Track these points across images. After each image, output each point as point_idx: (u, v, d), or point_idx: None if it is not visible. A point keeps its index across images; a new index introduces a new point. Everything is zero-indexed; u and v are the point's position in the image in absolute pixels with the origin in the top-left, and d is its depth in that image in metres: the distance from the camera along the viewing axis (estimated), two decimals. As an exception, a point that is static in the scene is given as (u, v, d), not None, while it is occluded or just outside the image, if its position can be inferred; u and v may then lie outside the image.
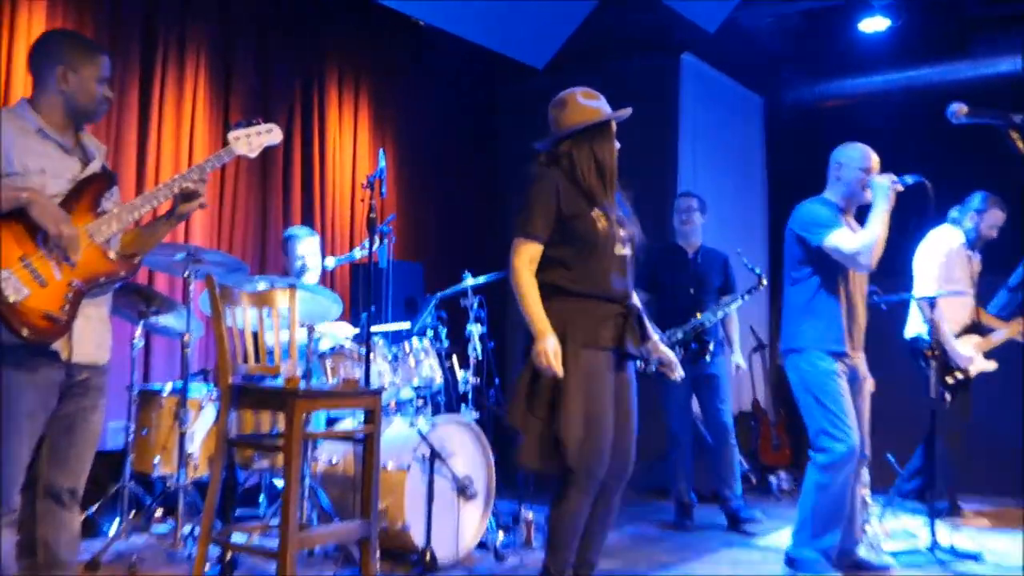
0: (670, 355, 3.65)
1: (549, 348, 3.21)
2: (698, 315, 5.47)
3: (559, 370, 3.22)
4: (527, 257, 3.34)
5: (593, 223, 3.35)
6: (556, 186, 3.37)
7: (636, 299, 3.56)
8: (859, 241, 4.06)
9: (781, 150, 8.15)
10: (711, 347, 5.50)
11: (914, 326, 5.48)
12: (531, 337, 3.30)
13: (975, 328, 5.52)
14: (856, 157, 4.24)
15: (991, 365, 5.45)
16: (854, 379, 4.23)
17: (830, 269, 4.19)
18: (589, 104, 3.49)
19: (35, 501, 2.86)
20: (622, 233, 3.43)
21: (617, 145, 3.51)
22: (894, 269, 5.28)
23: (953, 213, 5.60)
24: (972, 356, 5.39)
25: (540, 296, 3.33)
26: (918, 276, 5.43)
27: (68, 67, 2.88)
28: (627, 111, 3.51)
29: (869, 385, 4.31)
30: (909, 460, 5.61)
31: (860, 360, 4.28)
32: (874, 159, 4.23)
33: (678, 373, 3.68)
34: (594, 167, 3.42)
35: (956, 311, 5.45)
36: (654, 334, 3.64)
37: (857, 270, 4.19)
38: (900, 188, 4.09)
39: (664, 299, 5.60)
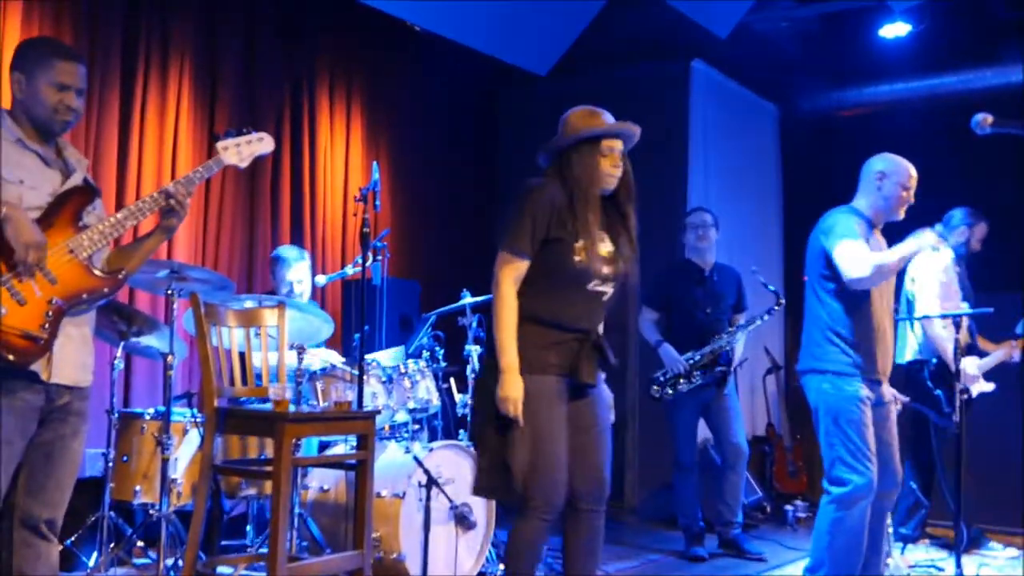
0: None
1: (513, 395, 3.25)
2: (718, 337, 5.52)
3: (521, 417, 3.26)
4: (513, 276, 3.35)
5: (571, 254, 3.34)
6: (552, 201, 3.36)
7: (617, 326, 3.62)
8: (871, 259, 4.00)
9: (797, 161, 8.19)
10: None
11: (913, 348, 5.52)
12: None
13: (970, 348, 5.58)
14: (900, 171, 4.16)
15: (990, 386, 5.49)
16: (879, 404, 4.17)
17: (848, 289, 4.09)
18: (580, 123, 3.47)
19: (11, 532, 2.88)
20: (606, 270, 3.42)
21: (612, 165, 3.44)
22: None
23: (937, 229, 5.66)
24: (977, 375, 5.43)
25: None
26: (922, 296, 5.46)
27: (22, 73, 2.92)
28: (614, 125, 3.46)
29: (894, 408, 4.29)
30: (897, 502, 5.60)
31: (886, 384, 4.24)
32: (913, 176, 4.18)
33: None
34: (576, 188, 3.39)
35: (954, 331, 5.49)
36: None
37: (850, 283, 4.08)
38: (930, 251, 4.11)
39: (678, 319, 5.64)
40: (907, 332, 5.56)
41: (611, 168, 3.42)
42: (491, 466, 3.32)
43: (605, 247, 3.44)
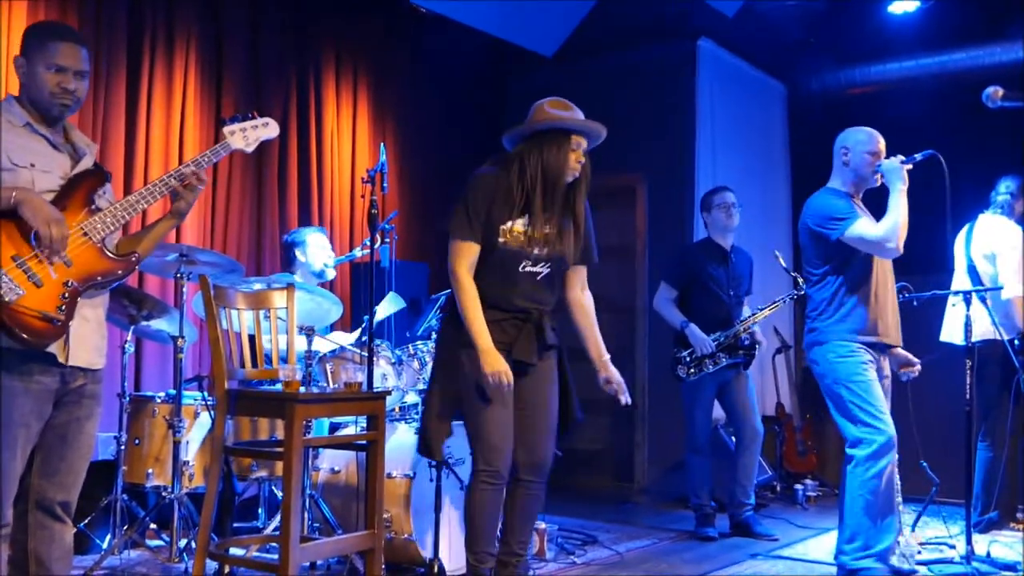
0: (617, 377, 3.81)
1: (501, 367, 3.48)
2: (744, 320, 5.57)
3: (509, 382, 3.49)
4: (467, 262, 3.59)
5: (501, 236, 3.57)
6: (490, 187, 3.58)
7: (588, 306, 3.88)
8: (883, 227, 4.11)
9: (805, 140, 8.16)
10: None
11: (987, 326, 5.22)
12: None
13: None
14: (863, 140, 4.28)
15: None
16: (879, 377, 4.25)
17: (852, 263, 4.23)
18: (553, 112, 3.63)
19: (26, 514, 2.91)
20: (537, 252, 3.62)
21: (577, 159, 3.62)
22: (930, 266, 5.28)
23: (1001, 197, 5.58)
24: None
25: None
26: (1006, 272, 5.34)
27: (24, 58, 2.94)
28: (587, 123, 3.62)
29: (888, 384, 4.32)
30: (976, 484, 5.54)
31: (885, 360, 4.30)
32: (880, 142, 4.27)
33: (624, 398, 3.79)
34: (540, 173, 3.58)
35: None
36: (604, 355, 3.83)
37: (883, 256, 4.23)
38: (910, 167, 4.15)
39: (702, 299, 5.62)
40: (980, 309, 5.12)
41: (575, 162, 3.62)
42: (440, 429, 3.66)
43: (545, 228, 3.63)
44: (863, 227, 4.13)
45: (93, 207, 2.94)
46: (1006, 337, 5.15)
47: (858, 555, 4.16)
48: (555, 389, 3.76)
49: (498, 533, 3.71)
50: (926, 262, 5.55)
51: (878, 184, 4.26)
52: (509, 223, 3.57)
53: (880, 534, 4.12)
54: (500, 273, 3.61)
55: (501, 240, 3.57)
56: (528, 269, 3.63)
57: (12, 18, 5.02)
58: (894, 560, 4.33)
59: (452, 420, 3.74)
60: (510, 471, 3.64)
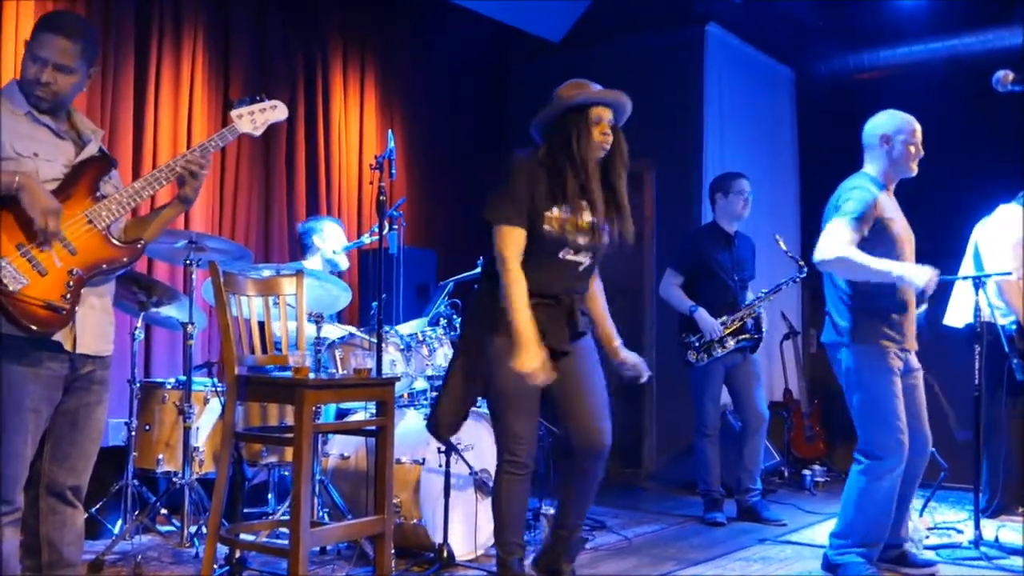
0: (634, 358, 3.77)
1: (535, 363, 3.32)
2: (750, 303, 5.56)
3: (547, 378, 3.37)
4: (516, 248, 3.46)
5: (542, 224, 3.47)
6: (533, 171, 3.49)
7: (599, 293, 3.81)
8: (843, 251, 3.84)
9: (813, 126, 8.13)
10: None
11: (986, 310, 5.10)
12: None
13: None
14: (907, 131, 4.06)
15: None
16: (907, 372, 4.11)
17: (881, 254, 3.97)
18: (569, 93, 3.54)
19: (38, 499, 2.92)
20: (581, 240, 3.54)
21: (602, 132, 3.52)
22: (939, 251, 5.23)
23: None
24: None
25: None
26: (1001, 256, 5.30)
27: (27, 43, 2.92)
28: (600, 92, 3.52)
29: (920, 375, 4.20)
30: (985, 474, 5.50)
31: (912, 352, 4.16)
32: (918, 129, 4.07)
33: (645, 375, 3.77)
34: (568, 159, 3.50)
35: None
36: (616, 339, 3.79)
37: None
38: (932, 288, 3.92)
39: (708, 284, 5.60)
40: (975, 293, 4.95)
41: (600, 136, 3.52)
42: (454, 412, 3.58)
43: (585, 217, 3.55)
44: (844, 236, 3.87)
45: (98, 194, 2.93)
46: (1002, 322, 5.15)
47: (843, 549, 4.10)
48: (598, 366, 3.68)
49: (525, 521, 3.68)
50: (931, 247, 5.53)
51: (915, 173, 4.04)
52: (554, 209, 3.48)
53: (871, 539, 4.04)
54: (539, 258, 3.50)
55: (546, 227, 3.47)
56: (568, 257, 3.54)
57: (20, 8, 5.02)
58: (909, 547, 4.31)
59: (471, 405, 3.69)
60: (566, 451, 3.59)
